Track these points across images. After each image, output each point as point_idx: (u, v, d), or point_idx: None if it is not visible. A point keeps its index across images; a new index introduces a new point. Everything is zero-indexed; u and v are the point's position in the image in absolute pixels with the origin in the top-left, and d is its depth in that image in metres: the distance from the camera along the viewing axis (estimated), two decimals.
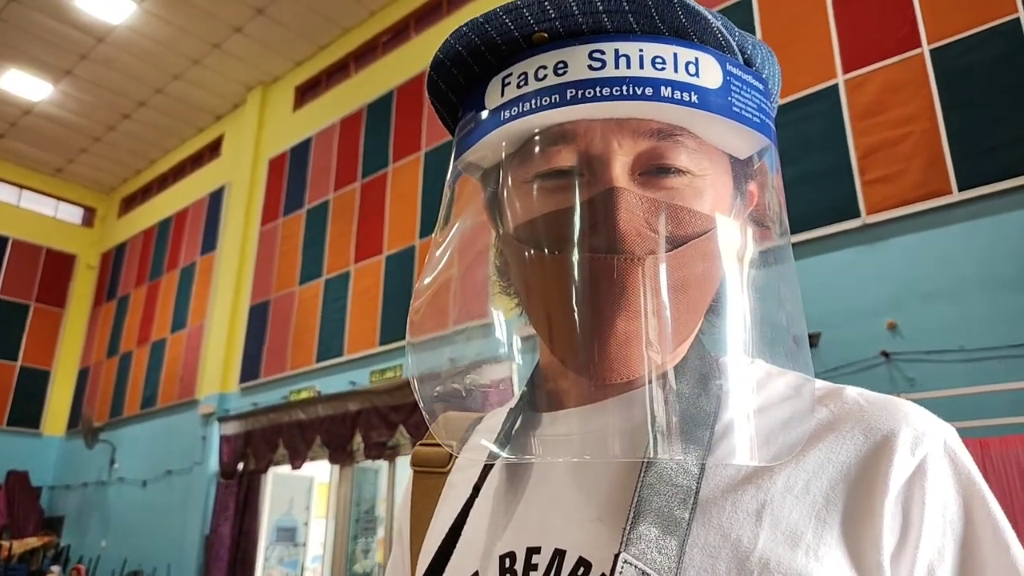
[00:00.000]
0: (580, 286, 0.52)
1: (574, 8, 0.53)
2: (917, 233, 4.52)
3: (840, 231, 4.75)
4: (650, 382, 0.52)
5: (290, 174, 9.80)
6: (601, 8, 0.53)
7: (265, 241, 9.75)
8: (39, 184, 13.55)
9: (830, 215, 4.78)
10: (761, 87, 0.57)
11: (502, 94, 0.56)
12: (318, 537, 8.34)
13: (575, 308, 0.52)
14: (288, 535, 8.60)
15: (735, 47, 0.56)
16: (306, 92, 10.34)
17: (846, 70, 5.08)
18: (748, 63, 0.58)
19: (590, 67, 0.53)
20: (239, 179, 10.58)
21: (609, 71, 0.52)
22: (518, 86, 0.55)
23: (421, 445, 0.74)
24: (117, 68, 10.45)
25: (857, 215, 4.73)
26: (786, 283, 0.56)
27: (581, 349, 0.52)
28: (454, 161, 0.60)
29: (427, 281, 0.61)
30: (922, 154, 4.60)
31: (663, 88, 0.52)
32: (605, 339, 0.51)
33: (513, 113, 0.55)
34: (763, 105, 0.57)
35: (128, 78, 10.69)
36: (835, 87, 5.09)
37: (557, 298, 0.54)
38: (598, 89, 0.52)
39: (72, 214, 14.13)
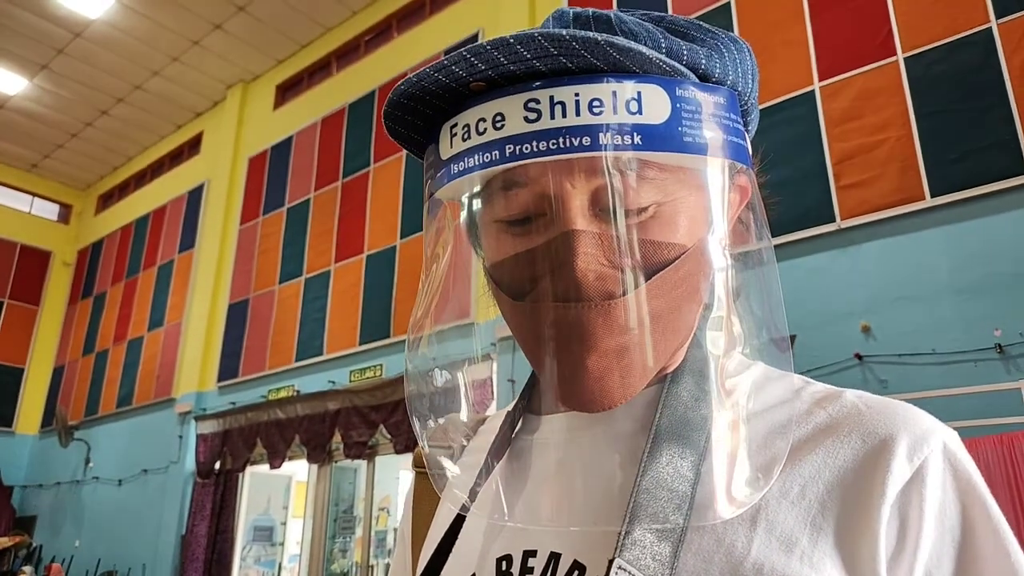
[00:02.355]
0: (548, 332, 0.52)
1: (502, 59, 0.51)
2: (891, 238, 4.59)
3: (815, 235, 4.81)
4: (649, 386, 0.52)
5: (270, 172, 9.75)
6: (529, 56, 0.50)
7: (245, 239, 9.68)
8: (14, 180, 13.34)
9: (806, 219, 4.84)
10: (722, 100, 0.54)
11: (451, 145, 0.55)
12: (295, 536, 8.30)
13: (546, 351, 0.53)
14: (265, 534, 8.55)
15: (684, 69, 0.53)
16: (287, 90, 10.29)
17: (822, 77, 5.15)
18: (705, 78, 0.55)
19: (526, 119, 0.51)
20: (218, 177, 10.50)
21: (544, 122, 0.50)
22: (463, 139, 0.54)
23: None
24: (95, 63, 10.33)
25: (832, 220, 4.79)
26: (770, 285, 0.55)
27: (559, 387, 0.53)
28: (426, 198, 0.60)
29: (420, 312, 0.60)
30: (896, 160, 4.68)
31: (601, 135, 0.50)
32: (580, 378, 0.51)
33: (460, 169, 0.54)
34: (724, 120, 0.54)
35: (106, 74, 10.56)
36: (811, 93, 5.15)
37: (531, 340, 0.55)
38: (535, 144, 0.50)
39: (48, 210, 13.92)
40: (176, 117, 11.75)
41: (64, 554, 10.17)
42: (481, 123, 0.53)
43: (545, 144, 0.50)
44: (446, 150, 0.56)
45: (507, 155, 0.51)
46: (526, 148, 0.51)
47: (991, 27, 4.55)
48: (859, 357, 4.40)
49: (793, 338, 4.45)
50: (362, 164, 8.37)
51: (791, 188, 4.90)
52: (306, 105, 9.65)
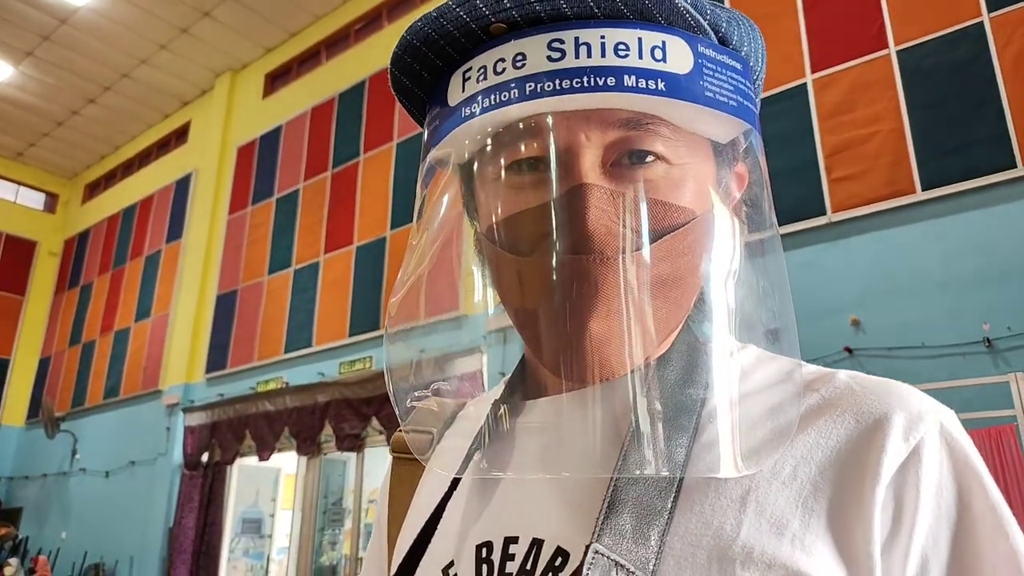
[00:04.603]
0: (552, 289, 0.50)
1: None
2: (881, 231, 4.61)
3: (806, 228, 4.82)
4: (632, 371, 0.51)
5: (259, 162, 9.68)
6: None
7: (233, 230, 9.62)
8: None
9: (797, 212, 4.85)
10: (739, 66, 0.54)
11: (463, 89, 0.54)
12: (284, 529, 8.28)
13: (548, 311, 0.51)
14: (254, 527, 8.53)
15: (707, 27, 0.53)
16: (276, 79, 10.21)
17: (815, 69, 5.15)
18: (724, 42, 0.55)
19: (549, 58, 0.50)
20: (207, 166, 10.42)
21: (569, 61, 0.50)
22: (478, 80, 0.53)
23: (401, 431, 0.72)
24: (81, 51, 10.21)
25: (823, 213, 4.80)
26: (774, 268, 0.55)
27: (556, 352, 0.51)
28: (424, 158, 0.58)
29: (406, 276, 0.59)
30: (887, 154, 4.69)
31: (627, 77, 0.49)
32: (580, 342, 0.49)
33: (473, 110, 0.53)
34: (741, 86, 0.54)
35: (92, 61, 10.45)
36: (804, 86, 5.15)
37: (530, 300, 0.52)
38: (558, 82, 0.49)
39: (33, 199, 13.79)
40: (163, 106, 11.65)
41: (51, 546, 10.12)
42: (500, 63, 0.52)
43: (568, 83, 0.49)
44: (456, 96, 0.54)
45: (527, 93, 0.50)
46: (547, 86, 0.50)
47: (983, 21, 4.56)
48: (849, 351, 4.42)
49: None
50: (352, 154, 8.32)
51: (782, 180, 4.90)
52: (295, 94, 9.59)
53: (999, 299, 4.08)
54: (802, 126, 5.05)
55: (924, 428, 0.50)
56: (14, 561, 9.59)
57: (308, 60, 9.77)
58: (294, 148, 9.20)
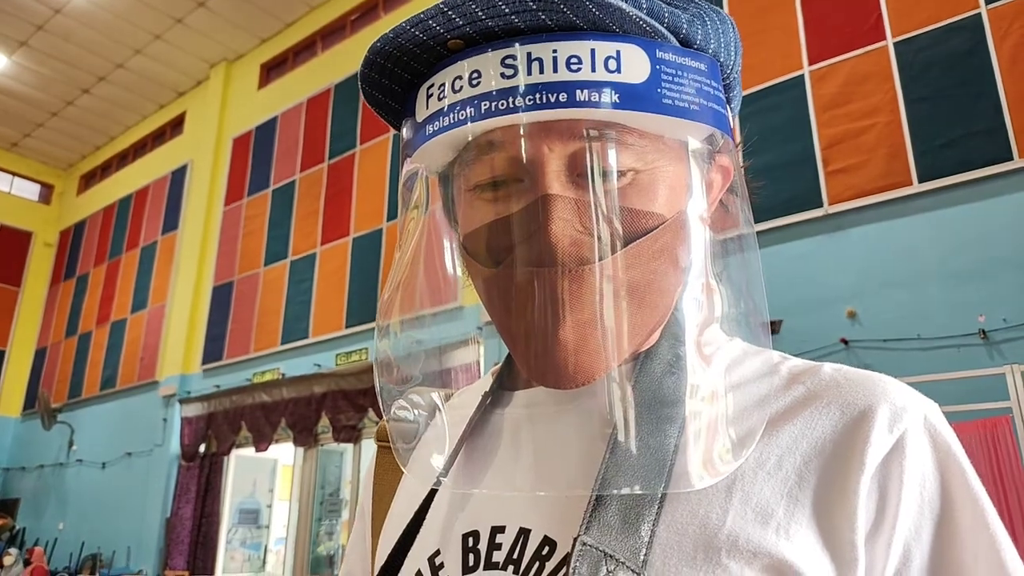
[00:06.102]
0: (522, 300, 0.51)
1: (480, 14, 0.50)
2: (878, 223, 4.61)
3: (803, 220, 4.82)
4: (608, 376, 0.51)
5: (255, 153, 9.65)
6: (508, 11, 0.49)
7: (229, 221, 9.60)
8: None
9: (793, 204, 4.85)
10: (703, 67, 0.53)
11: (427, 106, 0.54)
12: (281, 519, 8.31)
13: (521, 321, 0.52)
14: (251, 517, 8.55)
15: (665, 31, 0.52)
16: (272, 70, 10.16)
17: (812, 61, 5.14)
18: (686, 43, 0.54)
19: (503, 75, 0.50)
20: (202, 157, 10.38)
21: (521, 79, 0.50)
22: (439, 98, 0.53)
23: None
24: (75, 41, 10.15)
25: (820, 205, 4.80)
26: (751, 269, 0.55)
27: (532, 361, 0.51)
28: (403, 168, 0.59)
29: (391, 282, 0.59)
30: (884, 146, 4.68)
31: (579, 92, 0.49)
32: (553, 351, 0.50)
33: (435, 128, 0.53)
34: (705, 87, 0.53)
35: (87, 51, 10.39)
36: (801, 78, 5.14)
37: (504, 311, 0.53)
38: (511, 100, 0.50)
39: (28, 190, 13.74)
40: (158, 96, 11.59)
41: (48, 537, 10.13)
42: (458, 81, 0.52)
43: (521, 100, 0.49)
44: (422, 112, 0.55)
45: (482, 112, 0.51)
46: (501, 104, 0.50)
47: (981, 12, 4.55)
48: (845, 342, 4.43)
49: (780, 323, 4.47)
50: (348, 145, 8.29)
51: (780, 173, 4.90)
52: (291, 85, 9.54)
53: (995, 291, 4.08)
54: (799, 118, 5.04)
55: (908, 420, 0.51)
56: (13, 551, 9.60)
57: (304, 51, 9.72)
58: (290, 139, 9.17)
